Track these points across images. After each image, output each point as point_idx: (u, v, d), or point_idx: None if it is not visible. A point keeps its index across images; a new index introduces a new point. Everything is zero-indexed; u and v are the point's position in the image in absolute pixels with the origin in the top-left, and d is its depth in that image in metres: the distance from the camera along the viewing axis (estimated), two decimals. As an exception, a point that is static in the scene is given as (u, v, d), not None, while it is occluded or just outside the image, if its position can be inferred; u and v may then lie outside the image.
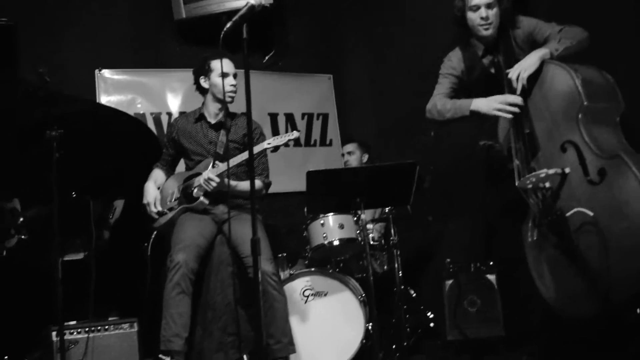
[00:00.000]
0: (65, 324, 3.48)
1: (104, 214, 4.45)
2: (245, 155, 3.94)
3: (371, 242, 4.87)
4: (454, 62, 4.01)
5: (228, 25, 2.83)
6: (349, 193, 3.82)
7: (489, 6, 3.67)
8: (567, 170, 3.25)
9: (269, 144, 3.92)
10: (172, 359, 3.68)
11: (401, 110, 5.82)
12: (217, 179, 3.93)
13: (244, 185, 4.11)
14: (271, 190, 4.36)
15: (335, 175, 3.96)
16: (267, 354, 3.73)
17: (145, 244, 4.26)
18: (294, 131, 3.94)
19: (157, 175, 4.35)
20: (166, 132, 4.85)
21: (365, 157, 5.60)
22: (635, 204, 2.91)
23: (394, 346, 4.50)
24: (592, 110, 3.24)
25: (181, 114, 5.37)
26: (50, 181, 3.22)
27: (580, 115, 3.24)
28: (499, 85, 3.72)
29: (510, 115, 3.58)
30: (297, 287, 4.36)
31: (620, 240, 2.95)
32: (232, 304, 3.95)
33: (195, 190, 4.09)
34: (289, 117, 6.44)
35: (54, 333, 3.52)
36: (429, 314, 4.85)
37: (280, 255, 4.78)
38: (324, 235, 4.47)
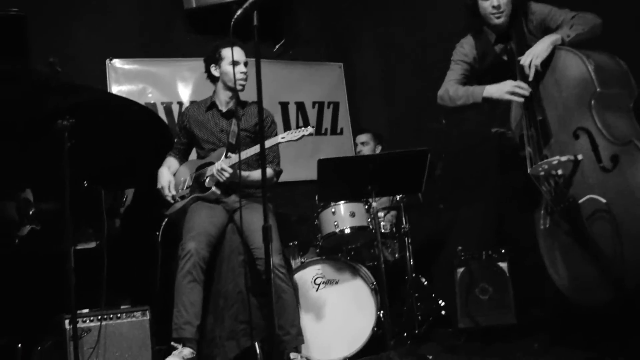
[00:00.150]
0: (78, 312, 3.50)
1: (115, 203, 4.47)
2: (257, 149, 3.95)
3: (382, 230, 4.86)
4: (466, 49, 4.00)
5: (239, 12, 2.83)
6: (360, 181, 3.81)
7: (500, -5, 3.65)
8: (579, 157, 3.23)
9: (282, 138, 3.89)
10: (184, 346, 3.71)
11: (412, 98, 5.81)
12: (230, 170, 3.93)
13: (256, 174, 4.10)
14: (282, 179, 4.35)
15: (347, 163, 3.96)
16: (277, 344, 3.76)
17: (157, 233, 4.28)
18: (309, 127, 3.90)
19: (171, 162, 4.37)
20: (177, 122, 4.85)
21: (379, 149, 5.59)
22: (648, 190, 2.90)
23: (405, 334, 4.51)
24: (604, 96, 3.22)
25: (192, 103, 5.38)
26: (62, 171, 3.22)
27: (592, 102, 3.22)
28: (510, 72, 3.71)
29: (522, 99, 3.55)
30: (309, 275, 4.36)
31: (633, 226, 2.94)
32: (244, 292, 3.95)
33: (208, 180, 4.09)
34: (300, 106, 6.42)
35: (66, 321, 3.54)
36: (440, 301, 4.85)
37: (291, 243, 4.80)
38: (335, 223, 4.46)
